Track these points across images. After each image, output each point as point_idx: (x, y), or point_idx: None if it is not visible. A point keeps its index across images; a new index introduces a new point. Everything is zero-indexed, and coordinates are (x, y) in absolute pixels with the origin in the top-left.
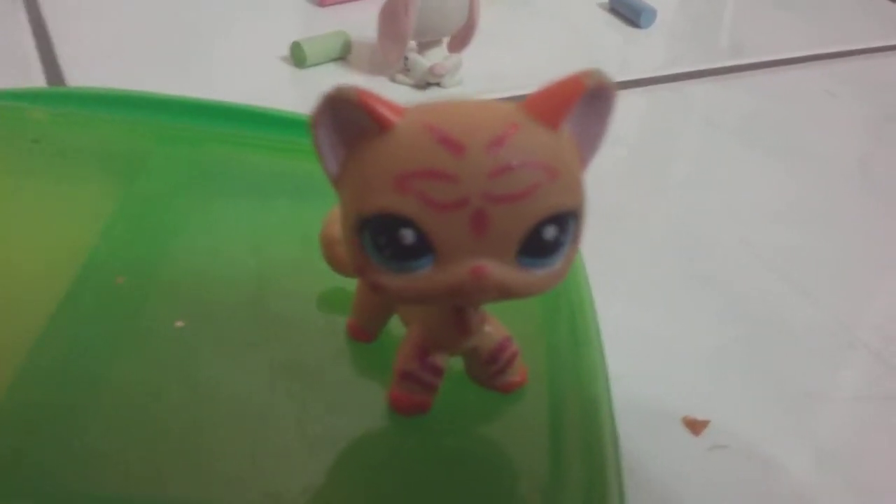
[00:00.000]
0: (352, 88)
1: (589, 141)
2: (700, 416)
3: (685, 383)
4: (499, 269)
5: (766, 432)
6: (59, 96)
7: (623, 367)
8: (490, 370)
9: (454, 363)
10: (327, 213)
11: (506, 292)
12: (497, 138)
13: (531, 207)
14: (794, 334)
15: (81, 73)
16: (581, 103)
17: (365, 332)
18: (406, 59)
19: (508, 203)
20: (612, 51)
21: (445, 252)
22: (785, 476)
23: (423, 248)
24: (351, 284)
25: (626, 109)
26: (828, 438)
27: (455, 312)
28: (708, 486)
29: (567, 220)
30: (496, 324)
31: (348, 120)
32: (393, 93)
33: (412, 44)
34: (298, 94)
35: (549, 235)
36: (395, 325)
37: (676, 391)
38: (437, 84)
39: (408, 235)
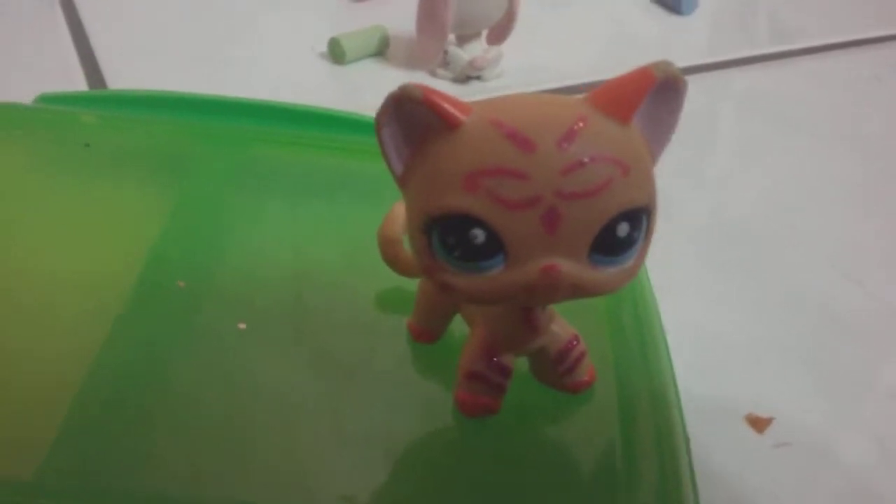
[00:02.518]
0: (417, 87)
1: (658, 135)
2: (763, 414)
3: (746, 380)
4: (571, 268)
5: (830, 428)
6: (105, 99)
7: (682, 363)
8: (558, 370)
9: (520, 364)
10: (385, 212)
11: (578, 291)
12: (567, 133)
13: (604, 204)
14: (854, 327)
15: (122, 76)
16: (650, 96)
17: (427, 332)
18: (445, 52)
19: (581, 200)
20: (654, 39)
21: (517, 251)
22: (850, 472)
23: (494, 247)
24: (408, 284)
25: None
26: (893, 433)
27: (523, 312)
28: (774, 484)
29: (640, 216)
30: (563, 323)
31: (414, 118)
32: (433, 87)
33: (451, 37)
34: (339, 91)
35: (622, 232)
36: (457, 326)
37: (738, 388)
38: (478, 77)
39: (478, 235)
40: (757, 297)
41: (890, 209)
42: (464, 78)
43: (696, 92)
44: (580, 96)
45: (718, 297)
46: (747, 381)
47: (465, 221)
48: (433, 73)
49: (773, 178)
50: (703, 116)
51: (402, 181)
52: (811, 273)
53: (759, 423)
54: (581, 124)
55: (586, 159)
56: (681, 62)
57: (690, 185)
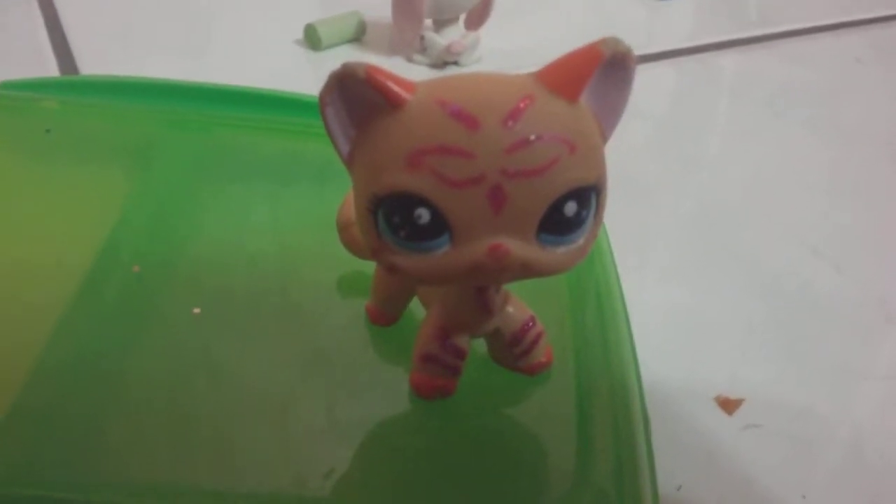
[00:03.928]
0: (360, 65)
1: (608, 113)
2: (733, 395)
3: (717, 362)
4: (518, 248)
5: (801, 411)
6: (69, 85)
7: (653, 346)
8: (514, 352)
9: (478, 346)
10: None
11: (526, 271)
12: (513, 111)
13: (550, 183)
14: (828, 310)
15: (94, 62)
16: (599, 73)
17: (385, 315)
18: (422, 38)
19: (526, 179)
20: (637, 22)
21: (462, 231)
22: (821, 456)
23: (440, 227)
24: (368, 267)
25: (652, 82)
26: (865, 417)
27: (476, 293)
28: (742, 466)
29: (588, 195)
30: (519, 304)
31: (358, 98)
32: (410, 73)
33: (428, 22)
34: (315, 78)
35: (569, 211)
36: (417, 308)
37: (708, 370)
38: (455, 63)
39: (423, 214)
40: (733, 280)
41: (870, 193)
42: (441, 63)
43: (678, 76)
44: (528, 74)
45: (693, 280)
46: (718, 363)
47: (410, 201)
48: (410, 59)
49: (754, 162)
50: (685, 100)
51: (349, 161)
52: (790, 257)
53: (728, 405)
54: (527, 102)
55: (532, 137)
56: (663, 46)
57: (670, 167)
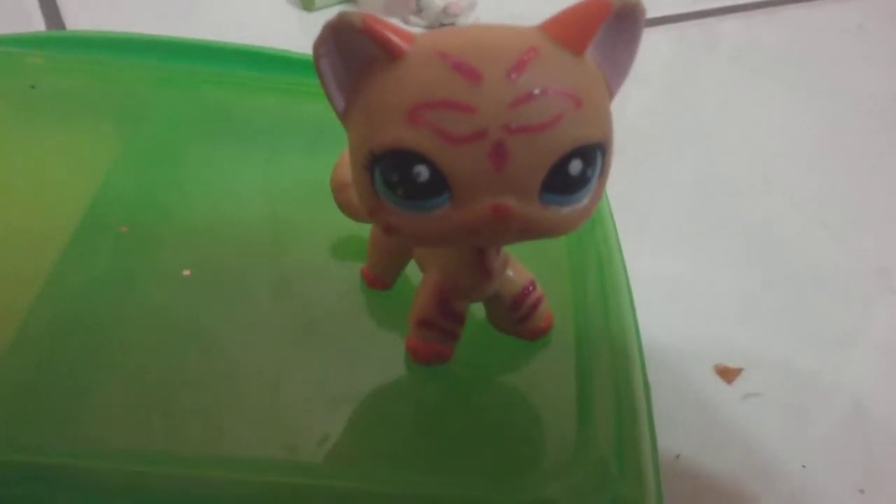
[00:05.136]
0: (357, 14)
1: (615, 69)
2: (732, 364)
3: (717, 330)
4: (521, 207)
5: (801, 380)
6: (56, 40)
7: (652, 314)
8: (514, 316)
9: (476, 311)
10: (339, 155)
11: (528, 232)
12: (516, 64)
13: (555, 139)
14: (828, 278)
15: (82, 18)
16: (606, 26)
17: (381, 279)
18: None
19: (530, 134)
20: None
21: (462, 189)
22: (821, 424)
23: (439, 185)
24: (366, 231)
25: (652, 48)
26: (865, 385)
27: (475, 255)
28: (742, 435)
29: (594, 152)
30: (519, 268)
31: (354, 49)
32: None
33: None
34: (308, 38)
35: (574, 170)
36: (413, 272)
37: (708, 339)
38: (452, 24)
39: (422, 172)
40: (733, 249)
41: (872, 161)
42: (438, 25)
43: (679, 41)
44: (533, 25)
45: (694, 249)
46: (718, 332)
47: (408, 158)
48: (406, 21)
49: (755, 129)
50: (684, 67)
51: (344, 116)
52: (789, 226)
53: (728, 374)
54: (531, 54)
55: (536, 91)
56: (663, 10)
57: (669, 135)
